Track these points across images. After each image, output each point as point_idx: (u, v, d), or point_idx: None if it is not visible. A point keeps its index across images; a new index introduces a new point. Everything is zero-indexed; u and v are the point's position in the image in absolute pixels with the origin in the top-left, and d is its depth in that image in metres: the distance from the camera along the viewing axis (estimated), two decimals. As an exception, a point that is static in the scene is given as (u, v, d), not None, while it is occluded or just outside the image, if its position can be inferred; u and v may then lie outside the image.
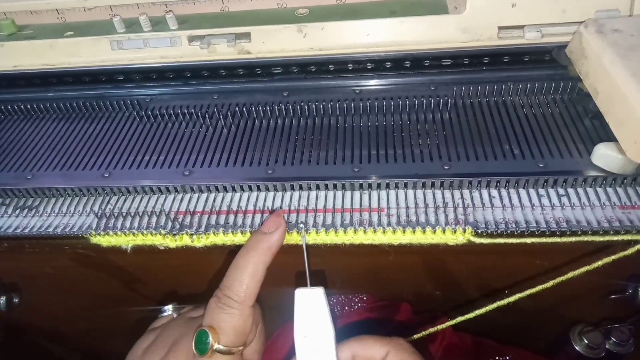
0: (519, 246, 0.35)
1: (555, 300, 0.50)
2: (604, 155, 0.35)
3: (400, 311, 0.52)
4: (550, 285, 0.36)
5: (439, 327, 0.41)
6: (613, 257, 0.33)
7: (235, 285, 0.32)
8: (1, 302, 0.50)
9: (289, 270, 0.47)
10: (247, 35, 0.45)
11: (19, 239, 0.39)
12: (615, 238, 0.33)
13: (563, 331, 0.53)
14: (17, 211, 0.40)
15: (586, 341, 0.51)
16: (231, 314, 0.31)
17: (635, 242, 0.33)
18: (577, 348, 0.51)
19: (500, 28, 0.43)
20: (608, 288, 0.46)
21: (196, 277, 0.48)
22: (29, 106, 0.49)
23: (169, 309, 0.40)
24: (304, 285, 0.32)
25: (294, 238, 0.35)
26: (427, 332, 0.40)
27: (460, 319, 0.40)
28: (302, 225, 0.36)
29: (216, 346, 0.31)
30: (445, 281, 0.50)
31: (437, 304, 0.54)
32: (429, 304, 0.54)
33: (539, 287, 0.36)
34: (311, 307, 0.31)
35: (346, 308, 0.55)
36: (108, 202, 0.40)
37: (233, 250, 0.39)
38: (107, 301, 0.56)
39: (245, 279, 0.32)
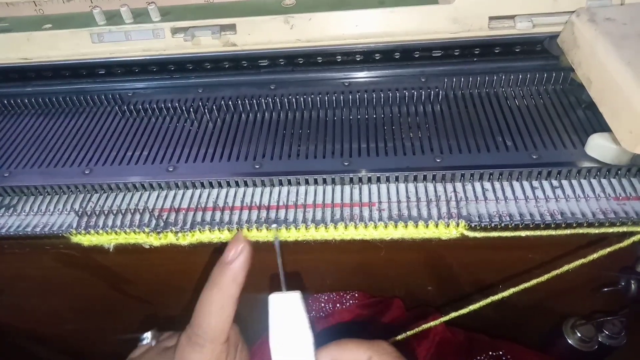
0: (512, 240, 0.34)
1: (547, 294, 0.50)
2: (598, 146, 0.34)
3: (392, 307, 0.52)
4: (545, 279, 0.35)
5: (432, 323, 0.40)
6: (609, 249, 0.32)
7: (204, 324, 0.30)
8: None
9: (276, 267, 0.46)
10: (232, 27, 0.44)
11: (-5, 238, 0.38)
12: (610, 230, 0.32)
13: (556, 325, 0.53)
14: (-6, 210, 0.39)
15: (579, 334, 0.50)
16: (202, 352, 0.30)
17: (631, 233, 0.32)
18: (569, 341, 0.51)
19: (491, 18, 0.42)
20: (600, 281, 0.46)
21: (183, 276, 0.47)
22: (6, 102, 0.47)
23: (147, 337, 0.38)
24: (279, 289, 0.31)
25: (282, 234, 0.34)
26: (419, 328, 0.40)
27: (453, 315, 0.39)
28: (274, 225, 0.34)
29: None
30: (437, 276, 0.50)
31: (429, 300, 0.54)
32: (421, 299, 0.54)
33: (533, 281, 0.36)
34: (287, 313, 0.29)
35: (337, 305, 0.54)
36: (89, 199, 0.38)
37: (219, 248, 0.38)
38: (92, 302, 0.55)
39: (213, 318, 0.30)
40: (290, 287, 0.52)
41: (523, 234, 0.33)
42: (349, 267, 0.48)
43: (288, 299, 0.30)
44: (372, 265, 0.47)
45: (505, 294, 0.37)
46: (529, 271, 0.40)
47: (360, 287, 0.53)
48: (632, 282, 0.43)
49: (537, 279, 0.36)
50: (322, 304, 0.55)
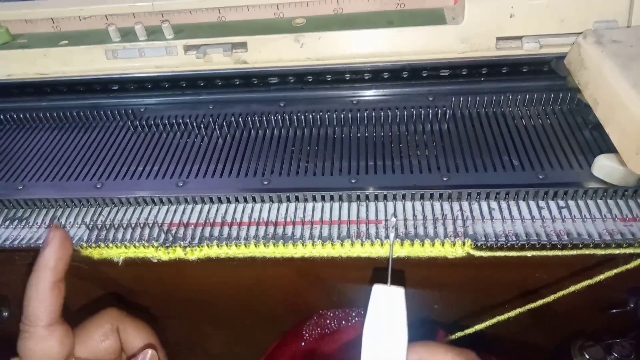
0: (520, 259, 0.34)
1: (555, 314, 0.49)
2: (604, 167, 0.34)
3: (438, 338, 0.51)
4: (552, 299, 0.35)
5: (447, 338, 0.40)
6: (615, 270, 0.32)
7: (26, 310, 0.31)
8: (-10, 315, 0.49)
9: (283, 284, 0.46)
10: (243, 45, 0.45)
11: (8, 250, 0.38)
12: (617, 251, 0.32)
13: (564, 345, 0.53)
14: (7, 222, 0.40)
15: (587, 356, 0.50)
16: (24, 337, 0.31)
17: (638, 255, 0.32)
18: (578, 363, 0.50)
19: (499, 39, 0.43)
20: (609, 302, 0.46)
21: (191, 290, 0.47)
22: (21, 115, 0.48)
23: None
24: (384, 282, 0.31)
25: (289, 251, 0.35)
26: None
27: (459, 334, 0.39)
28: (393, 219, 0.35)
29: None
30: (443, 295, 0.50)
31: (435, 318, 0.53)
32: (428, 317, 0.53)
33: (539, 302, 0.36)
34: (387, 306, 0.29)
35: (343, 322, 0.54)
36: (100, 213, 0.39)
37: (227, 262, 0.38)
38: (81, 311, 0.55)
39: (31, 302, 0.31)
40: (296, 304, 0.52)
41: (529, 254, 0.33)
42: (355, 284, 0.48)
43: (391, 292, 0.30)
44: (404, 277, 0.47)
45: (512, 314, 0.37)
46: (536, 290, 0.40)
47: (367, 305, 0.53)
48: (641, 303, 0.43)
49: (544, 300, 0.36)
50: (328, 321, 0.55)
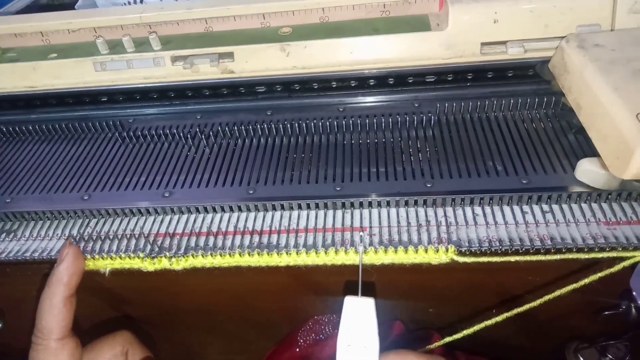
0: (511, 263, 0.34)
1: (548, 317, 0.49)
2: (587, 171, 0.34)
3: (394, 329, 0.51)
4: (538, 304, 0.35)
5: (432, 345, 0.40)
6: (599, 274, 0.32)
7: (38, 323, 0.33)
8: (-16, 327, 0.49)
9: (277, 290, 0.46)
10: (230, 55, 0.45)
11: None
12: (600, 255, 0.32)
13: (558, 348, 0.52)
14: (-4, 235, 0.40)
15: (582, 358, 0.50)
16: (37, 350, 0.33)
17: (621, 259, 0.32)
18: (572, 366, 0.50)
19: (483, 44, 0.43)
20: (601, 304, 0.46)
21: (185, 299, 0.48)
22: (11, 129, 0.49)
23: None
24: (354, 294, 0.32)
25: (273, 259, 0.35)
26: (420, 350, 0.40)
27: (453, 337, 0.39)
28: (361, 234, 0.35)
29: None
30: (436, 299, 0.50)
31: (430, 322, 0.53)
32: (423, 321, 0.53)
33: (526, 306, 0.36)
34: (359, 317, 0.31)
35: (338, 327, 0.54)
36: (87, 224, 0.39)
37: (220, 270, 0.38)
38: (94, 324, 0.55)
39: (44, 316, 0.33)
40: (292, 310, 0.52)
41: (512, 259, 0.33)
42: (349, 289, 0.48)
43: (362, 304, 0.31)
44: (375, 288, 0.47)
45: (499, 318, 0.36)
46: (529, 293, 0.40)
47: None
48: (633, 305, 0.43)
49: (531, 304, 0.36)
50: (323, 326, 0.55)
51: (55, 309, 0.33)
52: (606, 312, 0.46)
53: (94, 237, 0.38)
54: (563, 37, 0.41)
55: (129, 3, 0.59)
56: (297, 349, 0.54)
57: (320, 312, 0.53)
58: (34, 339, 0.33)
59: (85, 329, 0.55)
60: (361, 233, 0.35)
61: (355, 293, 0.32)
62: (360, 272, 0.33)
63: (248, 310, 0.51)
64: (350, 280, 0.33)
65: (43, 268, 0.39)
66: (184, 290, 0.45)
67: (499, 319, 0.36)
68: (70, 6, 0.69)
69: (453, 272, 0.40)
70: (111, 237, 0.38)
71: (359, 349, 0.30)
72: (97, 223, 0.39)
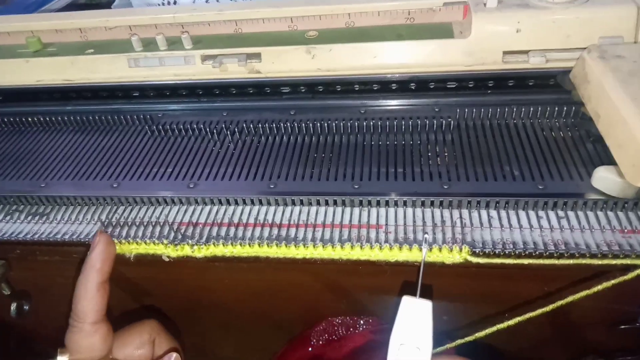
0: (519, 270, 0.34)
1: (563, 330, 0.49)
2: (603, 178, 0.35)
3: None
4: (551, 309, 0.35)
5: (441, 348, 0.40)
6: (613, 281, 0.33)
7: (74, 307, 0.35)
8: (12, 308, 0.51)
9: (294, 290, 0.47)
10: (257, 56, 0.47)
11: (29, 244, 0.40)
12: (614, 262, 0.32)
13: (574, 362, 0.52)
14: (29, 217, 0.42)
15: (595, 372, 0.49)
16: (73, 332, 0.34)
17: (635, 266, 0.32)
18: (585, 379, 0.49)
19: (505, 53, 0.43)
20: (617, 317, 0.45)
21: (203, 294, 0.49)
22: (47, 119, 0.51)
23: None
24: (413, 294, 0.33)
25: (290, 252, 0.36)
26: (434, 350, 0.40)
27: (459, 341, 0.39)
28: (426, 235, 0.36)
29: None
30: (450, 306, 0.50)
31: (445, 329, 0.53)
32: (437, 329, 0.53)
33: (539, 311, 0.36)
34: (415, 318, 0.31)
35: (351, 329, 0.55)
36: (115, 211, 0.41)
37: (238, 266, 0.40)
38: (117, 314, 0.57)
39: (79, 301, 0.34)
40: (307, 310, 0.53)
41: (525, 261, 0.33)
42: (363, 292, 0.49)
43: (419, 305, 0.32)
44: (387, 291, 0.48)
45: (511, 322, 0.37)
46: (538, 303, 0.40)
47: (374, 313, 0.53)
48: (650, 319, 0.43)
49: (543, 309, 0.36)
50: (336, 328, 0.55)
51: (89, 294, 0.34)
52: (622, 326, 0.46)
53: (121, 223, 0.40)
54: (584, 48, 0.41)
55: (163, 4, 0.61)
56: (310, 349, 0.55)
57: (336, 314, 0.54)
58: (71, 321, 0.35)
59: (113, 318, 0.57)
60: (426, 234, 0.35)
61: (411, 294, 0.32)
62: (421, 273, 0.33)
63: (265, 309, 0.52)
64: (405, 279, 0.34)
65: (71, 253, 0.41)
66: (204, 285, 0.47)
67: (511, 322, 0.37)
68: (107, 5, 0.72)
69: (467, 280, 0.41)
70: (137, 223, 0.39)
71: (412, 350, 0.30)
72: (124, 210, 0.41)
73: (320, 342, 0.55)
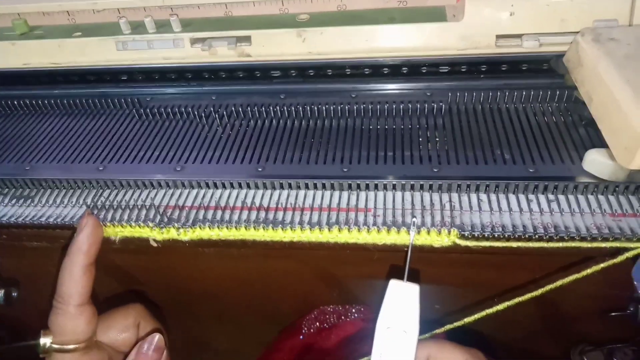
0: (508, 256, 0.34)
1: (555, 319, 0.49)
2: (594, 162, 0.34)
3: None
4: (539, 293, 0.35)
5: (431, 333, 0.40)
6: (602, 264, 0.32)
7: (59, 289, 0.34)
8: (0, 295, 0.51)
9: (286, 279, 0.47)
10: (247, 39, 0.46)
11: (13, 227, 0.40)
12: (603, 245, 0.32)
13: (564, 351, 0.52)
14: (14, 201, 0.41)
15: (586, 360, 0.49)
16: (56, 314, 0.34)
17: (625, 249, 0.32)
18: (577, 367, 0.49)
19: (498, 36, 0.43)
20: (607, 305, 0.45)
21: (195, 284, 0.48)
22: (34, 102, 0.50)
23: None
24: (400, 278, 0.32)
25: (277, 234, 0.35)
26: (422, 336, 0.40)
27: (448, 327, 0.39)
28: (414, 219, 0.35)
29: (48, 344, 0.34)
30: (438, 295, 0.50)
31: (437, 318, 0.53)
32: (428, 319, 0.53)
33: (528, 295, 0.36)
34: (402, 301, 0.31)
35: (342, 318, 0.55)
36: (101, 194, 0.40)
37: (230, 254, 0.39)
38: (106, 301, 0.56)
39: (64, 282, 0.34)
40: (300, 299, 0.53)
41: (514, 244, 0.33)
42: (355, 280, 0.49)
43: (406, 288, 0.31)
44: (379, 279, 0.47)
45: (500, 307, 0.36)
46: (533, 289, 0.40)
47: (365, 302, 0.53)
48: (640, 307, 0.42)
49: (532, 293, 0.35)
50: (328, 316, 0.55)
51: (75, 276, 0.34)
52: (613, 314, 0.45)
53: (107, 206, 0.39)
54: (578, 31, 0.41)
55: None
56: (301, 337, 0.54)
57: (328, 304, 0.54)
58: (55, 303, 0.34)
59: (99, 303, 0.57)
60: (414, 218, 0.35)
61: (399, 278, 0.32)
62: (409, 257, 0.33)
63: (257, 299, 0.52)
64: (395, 265, 0.33)
65: (58, 238, 0.41)
66: (194, 275, 0.46)
67: (500, 307, 0.36)
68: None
69: (459, 268, 0.40)
70: (123, 207, 0.39)
71: (398, 333, 0.30)
72: (110, 193, 0.40)
73: (312, 331, 0.54)
